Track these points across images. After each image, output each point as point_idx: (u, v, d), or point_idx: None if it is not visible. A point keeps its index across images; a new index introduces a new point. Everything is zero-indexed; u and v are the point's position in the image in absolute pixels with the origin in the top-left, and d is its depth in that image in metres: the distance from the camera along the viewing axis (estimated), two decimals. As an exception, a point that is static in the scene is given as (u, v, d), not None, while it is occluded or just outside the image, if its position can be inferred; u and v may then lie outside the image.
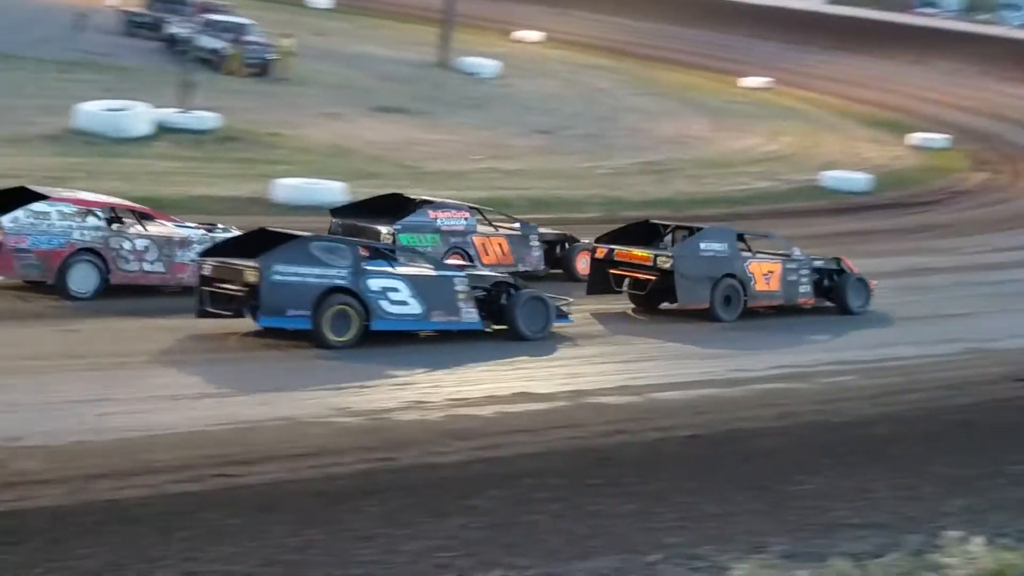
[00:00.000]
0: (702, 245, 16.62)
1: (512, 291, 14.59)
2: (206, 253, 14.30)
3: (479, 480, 9.33)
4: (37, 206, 14.89)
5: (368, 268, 13.67)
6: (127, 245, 15.27)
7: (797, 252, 17.80)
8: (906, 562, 7.88)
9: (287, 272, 13.03)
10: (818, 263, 17.94)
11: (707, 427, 11.31)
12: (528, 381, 12.62)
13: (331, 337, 13.20)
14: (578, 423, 11.23)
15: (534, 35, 56.70)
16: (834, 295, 17.74)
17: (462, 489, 9.05)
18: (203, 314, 13.57)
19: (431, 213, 17.96)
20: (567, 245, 19.04)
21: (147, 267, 15.38)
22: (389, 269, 13.91)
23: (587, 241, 18.38)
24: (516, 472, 9.58)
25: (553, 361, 13.78)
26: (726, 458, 10.37)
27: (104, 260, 15.01)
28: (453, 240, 17.83)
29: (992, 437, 11.56)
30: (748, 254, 17.15)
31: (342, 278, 13.35)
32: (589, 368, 13.51)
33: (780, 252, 17.90)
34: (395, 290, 13.66)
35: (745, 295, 16.63)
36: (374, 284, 13.53)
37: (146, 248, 15.35)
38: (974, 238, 25.94)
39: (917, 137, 39.23)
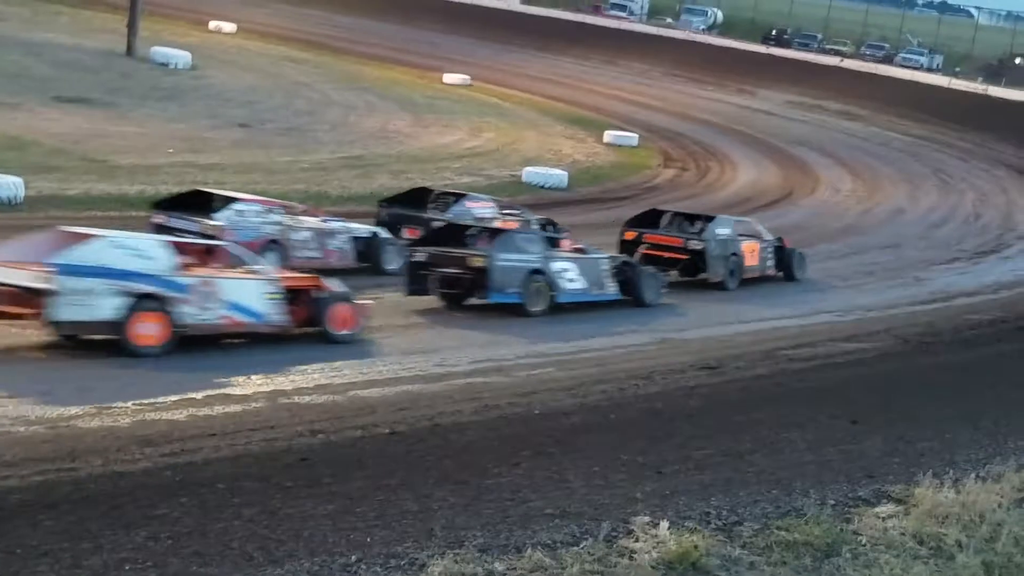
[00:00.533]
0: (718, 231, 20.81)
1: (633, 267, 18.85)
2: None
3: (167, 488, 8.90)
4: (238, 206, 18.30)
5: (552, 254, 17.59)
6: (297, 236, 18.49)
7: (766, 234, 22.18)
8: (598, 549, 8.07)
9: (506, 259, 16.79)
10: (776, 243, 22.30)
11: (408, 423, 11.24)
12: (224, 382, 12.22)
13: (533, 309, 16.94)
14: (275, 424, 10.92)
15: (229, 26, 55.19)
16: (783, 267, 22.05)
17: (149, 498, 8.61)
18: (415, 292, 17.04)
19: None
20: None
21: (309, 254, 18.43)
22: (563, 253, 17.97)
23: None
24: (208, 478, 9.21)
25: (251, 362, 13.39)
26: (426, 454, 10.32)
27: (284, 249, 18.00)
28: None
29: (679, 423, 12.03)
30: (741, 237, 21.38)
31: (537, 262, 17.22)
32: (289, 368, 13.22)
33: (751, 234, 21.94)
34: (568, 270, 17.67)
35: (742, 270, 21.10)
36: (556, 266, 17.55)
37: (309, 238, 18.60)
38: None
39: (611, 135, 40.66)
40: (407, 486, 9.28)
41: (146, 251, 13.24)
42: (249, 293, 13.88)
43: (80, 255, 12.73)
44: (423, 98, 44.59)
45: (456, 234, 18.38)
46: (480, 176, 31.47)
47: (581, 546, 8.08)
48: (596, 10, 76.95)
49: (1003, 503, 9.48)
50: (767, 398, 13.52)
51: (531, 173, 31.87)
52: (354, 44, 57.35)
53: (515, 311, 17.00)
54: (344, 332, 14.44)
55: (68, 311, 12.49)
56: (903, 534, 8.85)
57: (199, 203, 18.58)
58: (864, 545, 8.59)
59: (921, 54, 70.20)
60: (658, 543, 8.19)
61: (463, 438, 10.95)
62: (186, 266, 13.51)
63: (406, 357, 14.16)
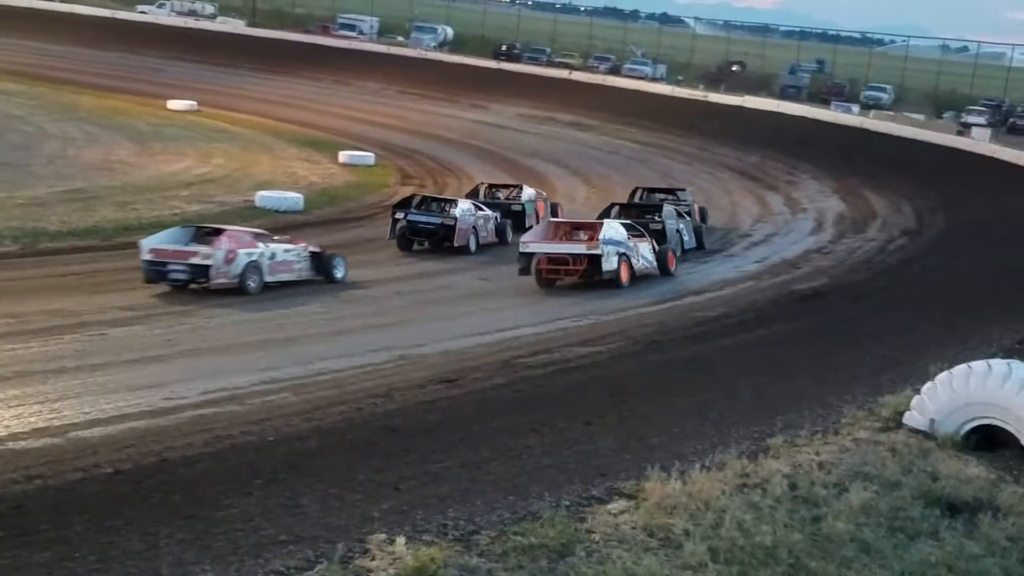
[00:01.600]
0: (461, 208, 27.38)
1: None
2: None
3: None
4: (463, 204, 27.97)
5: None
6: (483, 223, 27.98)
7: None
8: (333, 571, 7.93)
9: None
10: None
11: (133, 461, 10.79)
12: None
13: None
14: (-12, 473, 10.29)
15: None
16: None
17: None
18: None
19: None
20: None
21: (484, 235, 27.99)
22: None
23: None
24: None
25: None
26: (153, 490, 9.92)
27: (476, 233, 27.44)
28: None
29: (417, 439, 11.98)
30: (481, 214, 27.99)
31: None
32: (4, 412, 12.48)
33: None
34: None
35: (683, 245, 27.46)
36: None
37: (487, 222, 28.18)
38: (394, 249, 27.01)
39: (346, 155, 40.44)
40: (132, 526, 8.91)
41: (618, 230, 23.44)
42: (646, 250, 24.19)
43: (603, 234, 22.74)
44: (148, 126, 43.28)
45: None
46: (211, 203, 30.72)
47: (316, 570, 7.94)
48: (325, 30, 76.69)
49: (726, 490, 9.83)
50: (505, 406, 13.65)
51: (265, 197, 31.31)
52: (72, 74, 55.29)
53: (249, 339, 16.62)
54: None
55: (606, 265, 22.56)
56: (634, 528, 9.06)
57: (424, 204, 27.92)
58: (597, 543, 8.74)
59: (645, 64, 72.99)
60: (395, 560, 8.12)
61: (192, 471, 10.59)
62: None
63: (132, 393, 13.60)
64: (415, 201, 28.15)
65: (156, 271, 20.49)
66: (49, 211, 27.14)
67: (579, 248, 22.85)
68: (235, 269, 20.58)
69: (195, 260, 20.32)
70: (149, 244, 20.62)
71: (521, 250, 23.11)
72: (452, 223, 26.63)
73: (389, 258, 26.03)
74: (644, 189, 33.00)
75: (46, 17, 70.19)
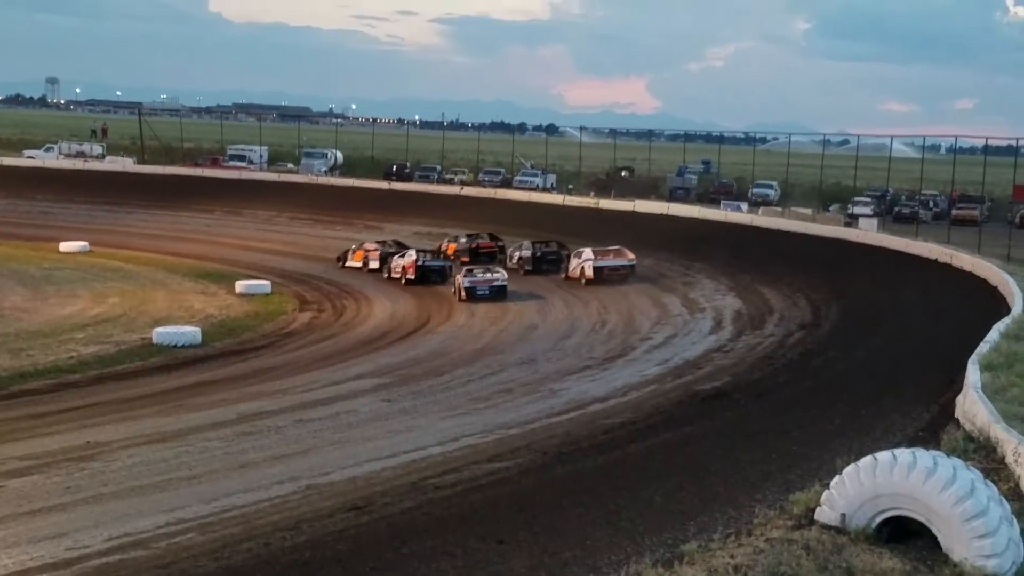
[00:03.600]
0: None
1: None
2: None
3: None
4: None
5: None
6: None
7: None
8: None
9: None
10: None
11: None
12: None
13: None
14: None
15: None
16: None
17: None
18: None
19: None
20: None
21: None
22: None
23: None
24: None
25: None
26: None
27: None
28: None
29: (328, 570, 11.88)
30: None
31: None
32: None
33: None
34: None
35: None
36: None
37: None
38: (305, 376, 26.88)
39: (242, 284, 40.31)
40: None
41: None
42: None
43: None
44: (40, 270, 42.82)
45: None
46: (108, 343, 30.34)
47: None
48: (215, 162, 76.79)
49: (640, 599, 9.87)
50: (416, 530, 13.58)
51: (162, 333, 31.02)
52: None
53: (152, 479, 16.32)
54: None
55: None
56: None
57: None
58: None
59: (535, 175, 74.10)
60: None
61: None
62: None
63: (34, 545, 13.29)
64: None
65: None
66: (-60, 362, 26.59)
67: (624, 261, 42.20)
68: None
69: None
70: None
71: (595, 265, 41.58)
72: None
73: (292, 387, 25.86)
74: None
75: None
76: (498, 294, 38.89)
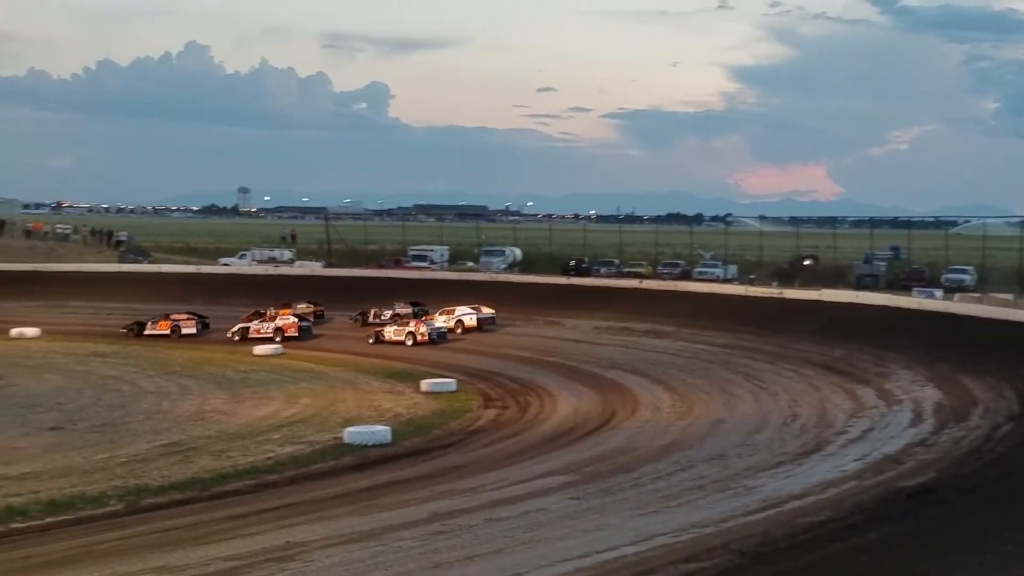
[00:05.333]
0: None
1: None
2: None
3: None
4: None
5: None
6: None
7: None
8: None
9: None
10: None
11: None
12: None
13: None
14: None
15: (32, 331, 54.89)
16: None
17: None
18: None
19: None
20: None
21: None
22: None
23: None
24: None
25: None
26: None
27: None
28: None
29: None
30: None
31: None
32: None
33: None
34: None
35: None
36: None
37: None
38: (493, 474, 27.01)
39: (428, 383, 40.97)
40: None
41: None
42: None
43: None
44: (236, 373, 44.41)
45: None
46: (302, 443, 31.12)
47: None
48: (398, 263, 78.67)
49: None
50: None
51: (353, 433, 31.66)
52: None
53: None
54: None
55: None
56: None
57: None
58: None
59: (715, 266, 73.52)
60: None
61: None
62: None
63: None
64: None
65: None
66: (150, 466, 27.71)
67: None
68: None
69: None
70: None
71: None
72: None
73: (481, 485, 25.96)
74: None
75: (134, 278, 73.02)
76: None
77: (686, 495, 23.54)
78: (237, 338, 55.06)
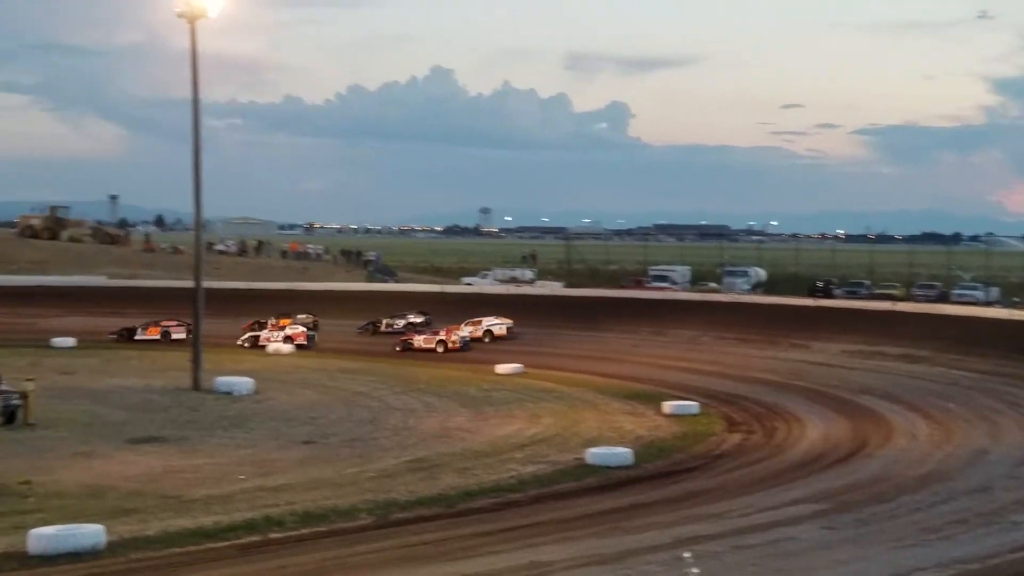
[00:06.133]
0: None
1: None
2: None
3: None
4: None
5: None
6: None
7: None
8: None
9: None
10: None
11: None
12: None
13: None
14: None
15: (286, 347, 57.37)
16: None
17: None
18: None
19: None
20: None
21: None
22: None
23: None
24: None
25: None
26: None
27: None
28: None
29: None
30: None
31: None
32: None
33: None
34: None
35: None
36: None
37: None
38: (739, 500, 26.39)
39: (670, 405, 40.49)
40: None
41: None
42: None
43: None
44: (479, 391, 45.03)
45: None
46: (544, 463, 31.13)
47: None
48: (638, 284, 78.49)
49: None
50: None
51: (595, 454, 31.49)
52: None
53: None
54: None
55: None
56: None
57: None
58: None
59: (976, 288, 70.21)
60: None
61: None
62: None
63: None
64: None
65: None
66: (397, 481, 28.31)
67: None
68: None
69: None
70: None
71: None
72: None
73: (727, 511, 25.38)
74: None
75: (381, 296, 75.33)
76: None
77: (947, 528, 22.41)
78: (247, 345, 58.46)
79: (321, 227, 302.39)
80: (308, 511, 24.69)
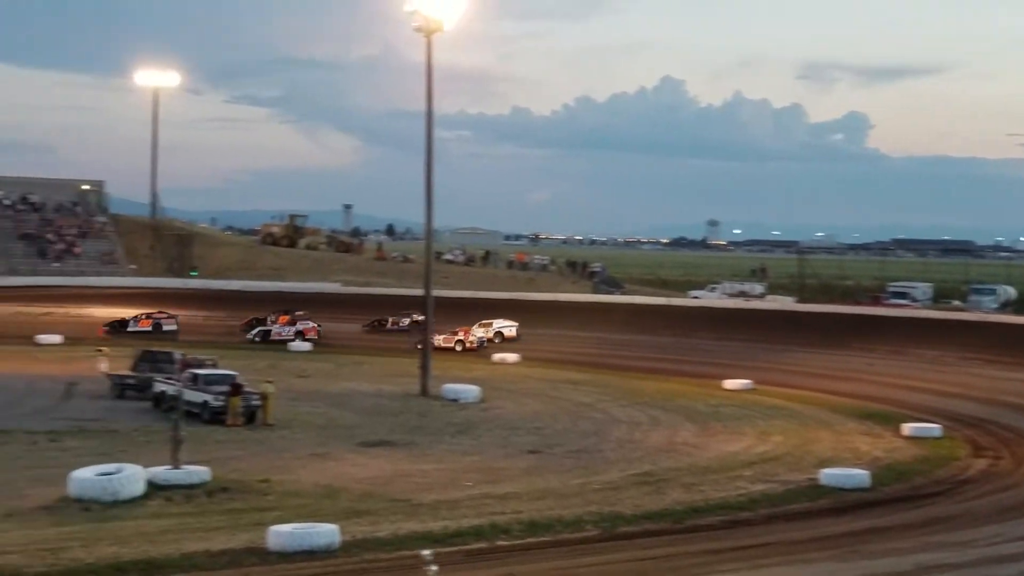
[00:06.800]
0: None
1: None
2: None
3: None
4: None
5: None
6: None
7: None
8: None
9: None
10: None
11: None
12: None
13: None
14: None
15: (511, 356, 57.84)
16: None
17: None
18: None
19: None
20: None
21: None
22: None
23: None
24: None
25: None
26: None
27: None
28: None
29: None
30: None
31: None
32: None
33: None
34: None
35: None
36: None
37: None
38: (987, 528, 25.01)
39: (910, 427, 38.82)
40: None
41: None
42: None
43: None
44: (706, 407, 44.30)
45: None
46: (774, 482, 30.24)
47: None
48: (876, 300, 75.88)
49: None
50: None
51: (829, 475, 30.35)
52: (631, 360, 58.41)
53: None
54: None
55: None
56: None
57: None
58: None
59: None
60: None
61: None
62: None
63: None
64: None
65: None
66: (623, 495, 27.98)
67: None
68: None
69: None
70: None
71: None
72: None
73: (973, 540, 23.99)
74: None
75: (606, 308, 75.32)
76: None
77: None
78: (258, 339, 62.65)
79: (546, 238, 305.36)
80: (534, 520, 24.63)
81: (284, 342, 62.17)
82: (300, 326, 64.30)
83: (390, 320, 69.21)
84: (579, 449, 35.08)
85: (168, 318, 65.23)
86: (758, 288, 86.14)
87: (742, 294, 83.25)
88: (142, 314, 65.70)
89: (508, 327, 65.95)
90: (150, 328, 63.87)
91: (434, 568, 20.25)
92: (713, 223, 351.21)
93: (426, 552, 21.17)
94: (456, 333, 62.61)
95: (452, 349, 60.54)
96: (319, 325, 65.12)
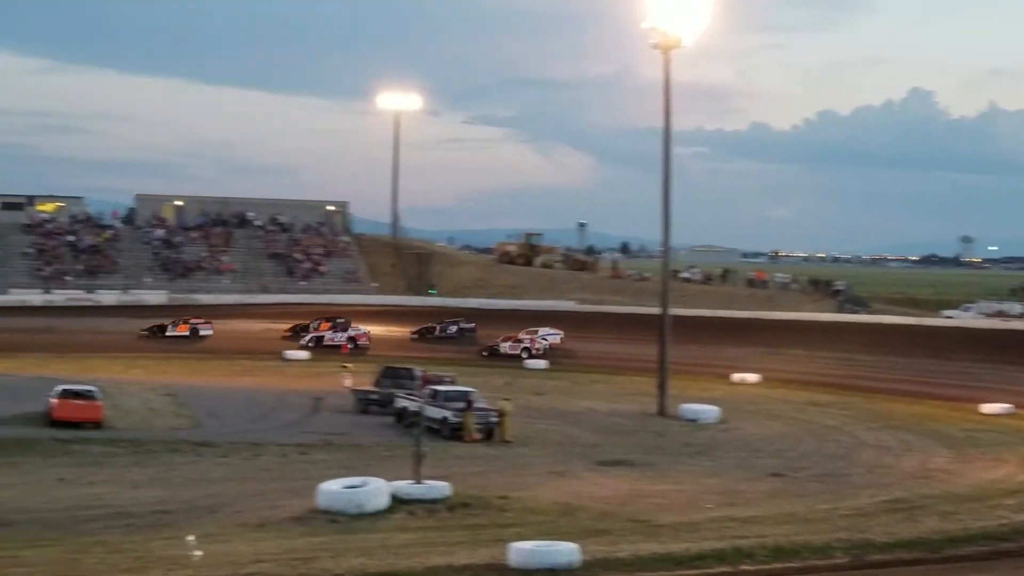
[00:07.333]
0: None
1: None
2: None
3: None
4: None
5: None
6: None
7: None
8: None
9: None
10: None
11: None
12: None
13: None
14: None
15: (752, 377, 56.42)
16: None
17: None
18: None
19: None
20: None
21: None
22: None
23: None
24: None
25: None
26: None
27: None
28: None
29: None
30: None
31: None
32: None
33: None
34: None
35: None
36: None
37: None
38: None
39: None
40: None
41: None
42: None
43: None
44: (961, 431, 42.25)
45: None
46: (1043, 515, 28.34)
47: None
48: None
49: None
50: None
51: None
52: (878, 382, 56.42)
53: None
54: None
55: None
56: None
57: None
58: None
59: None
60: None
61: None
62: None
63: None
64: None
65: None
66: (873, 521, 26.76)
67: None
68: None
69: None
70: None
71: None
72: None
73: None
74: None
75: (850, 328, 72.94)
76: None
77: None
78: (312, 344, 62.66)
79: (786, 255, 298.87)
80: (779, 545, 23.78)
81: (361, 349, 63.30)
82: (352, 332, 65.04)
83: (438, 328, 69.80)
84: (825, 473, 33.89)
85: (205, 323, 66.65)
86: (1017, 308, 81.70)
87: (1000, 314, 79.12)
88: (180, 319, 67.63)
89: (553, 335, 66.76)
90: (187, 333, 65.66)
91: None
92: (967, 239, 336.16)
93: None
94: (521, 340, 63.64)
95: (519, 356, 61.35)
96: (368, 331, 66.29)
